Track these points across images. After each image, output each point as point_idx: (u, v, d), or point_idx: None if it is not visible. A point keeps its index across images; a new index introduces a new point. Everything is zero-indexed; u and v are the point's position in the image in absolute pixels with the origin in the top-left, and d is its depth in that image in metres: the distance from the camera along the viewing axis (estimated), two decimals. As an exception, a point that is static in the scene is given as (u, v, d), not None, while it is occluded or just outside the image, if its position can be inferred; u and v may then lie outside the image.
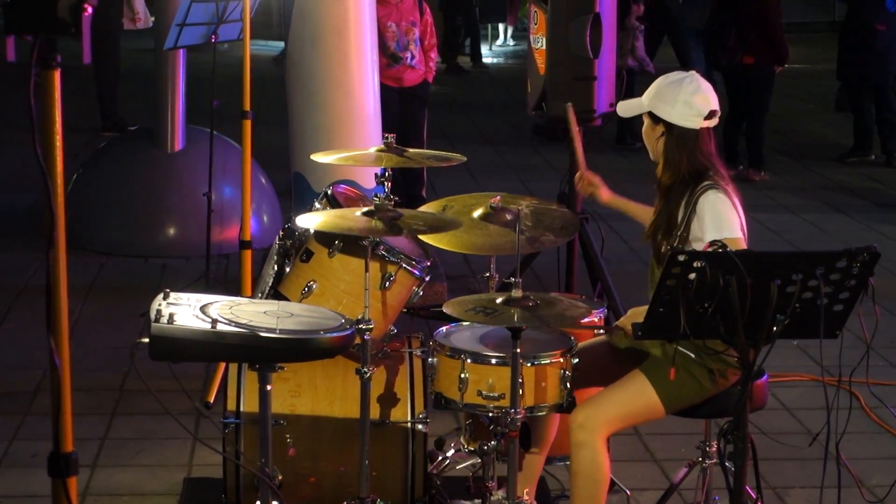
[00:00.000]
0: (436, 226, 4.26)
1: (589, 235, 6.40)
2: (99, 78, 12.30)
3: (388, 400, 4.38)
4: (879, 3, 11.29)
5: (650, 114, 4.22)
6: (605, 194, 4.66)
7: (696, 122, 4.15)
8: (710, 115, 4.16)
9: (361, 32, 6.86)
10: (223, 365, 5.42)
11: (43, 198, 2.82)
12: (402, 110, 8.71)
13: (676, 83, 4.17)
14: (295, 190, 7.12)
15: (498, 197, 4.58)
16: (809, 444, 3.69)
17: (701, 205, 4.05)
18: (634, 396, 4.10)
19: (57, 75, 2.79)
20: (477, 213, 4.57)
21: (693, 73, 4.23)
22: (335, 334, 3.62)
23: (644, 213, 4.49)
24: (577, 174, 4.79)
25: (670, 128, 4.16)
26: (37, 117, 2.77)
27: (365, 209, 4.11)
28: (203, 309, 3.58)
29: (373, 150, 4.42)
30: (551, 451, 4.57)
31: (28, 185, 9.35)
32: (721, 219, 4.03)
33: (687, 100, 4.13)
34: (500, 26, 21.32)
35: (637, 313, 4.07)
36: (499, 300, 3.93)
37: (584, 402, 4.13)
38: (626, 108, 4.41)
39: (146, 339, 3.45)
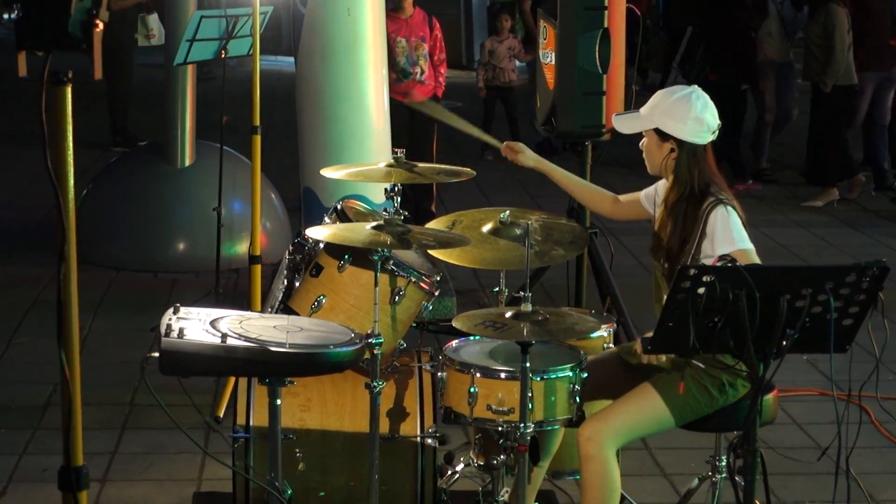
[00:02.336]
0: (444, 242, 4.27)
1: (598, 250, 6.40)
2: (110, 94, 12.34)
3: (398, 414, 4.38)
4: (890, 19, 11.30)
5: (657, 130, 4.21)
6: (528, 158, 4.73)
7: (705, 137, 4.16)
8: (717, 129, 4.17)
9: (371, 48, 6.86)
10: (233, 379, 5.42)
11: (54, 213, 2.83)
12: (410, 126, 8.73)
13: (684, 99, 4.16)
14: (305, 205, 7.13)
15: (507, 211, 4.58)
16: (818, 459, 3.69)
17: (711, 222, 4.05)
18: (644, 408, 4.09)
19: (68, 91, 2.81)
20: (486, 228, 4.58)
21: (696, 87, 4.23)
22: (345, 349, 3.63)
23: (569, 182, 4.72)
24: (503, 146, 4.83)
25: (681, 144, 4.16)
26: (48, 133, 2.78)
27: (374, 223, 4.11)
28: (213, 323, 3.59)
29: (382, 165, 4.42)
30: (560, 466, 4.57)
31: (39, 200, 9.38)
32: (731, 233, 4.03)
33: (698, 116, 4.13)
34: None
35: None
36: (508, 314, 3.93)
37: (592, 415, 4.13)
38: (625, 125, 4.34)
39: (156, 354, 3.46)
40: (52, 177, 2.80)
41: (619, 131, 4.39)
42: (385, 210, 4.15)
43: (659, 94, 4.25)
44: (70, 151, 2.82)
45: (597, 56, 5.98)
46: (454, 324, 3.93)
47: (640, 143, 4.29)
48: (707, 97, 4.19)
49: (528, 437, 3.96)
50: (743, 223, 4.09)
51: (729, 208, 4.08)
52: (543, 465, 4.46)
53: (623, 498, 4.64)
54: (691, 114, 4.13)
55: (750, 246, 4.03)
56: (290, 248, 4.46)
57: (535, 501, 4.48)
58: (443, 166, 4.70)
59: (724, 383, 4.08)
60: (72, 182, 2.85)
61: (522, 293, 3.96)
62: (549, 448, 4.42)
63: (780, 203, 10.79)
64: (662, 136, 4.19)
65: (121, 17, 11.95)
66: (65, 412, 2.96)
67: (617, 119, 4.39)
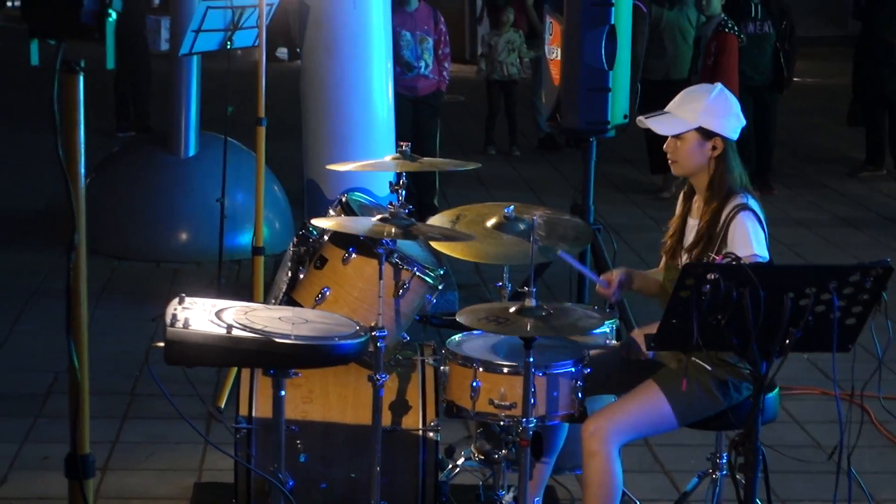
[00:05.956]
0: (449, 237, 4.28)
1: (601, 246, 6.41)
2: (122, 80, 12.39)
3: (400, 407, 4.39)
4: (894, 18, 11.30)
5: (700, 129, 4.11)
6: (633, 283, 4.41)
7: (738, 133, 4.17)
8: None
9: (376, 40, 6.87)
10: (234, 369, 5.43)
11: (56, 201, 2.84)
12: (414, 119, 8.74)
13: (723, 96, 4.14)
14: (308, 197, 7.14)
15: (512, 206, 4.59)
16: (828, 458, 3.68)
17: (732, 229, 4.02)
18: (647, 407, 4.09)
19: (80, 80, 2.82)
20: (490, 223, 4.59)
21: (720, 84, 4.21)
22: (351, 341, 3.64)
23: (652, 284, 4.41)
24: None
25: (727, 141, 4.13)
26: (60, 121, 2.79)
27: (380, 216, 4.12)
28: (218, 314, 3.60)
29: (388, 158, 4.44)
30: (560, 461, 4.57)
31: (42, 188, 9.37)
32: (749, 240, 3.99)
33: (738, 112, 4.15)
34: None
35: (651, 327, 4.05)
36: (512, 309, 3.94)
37: (597, 411, 4.13)
38: (665, 126, 4.14)
39: (161, 344, 3.47)
40: (64, 165, 2.81)
41: (658, 133, 4.16)
42: (390, 203, 4.17)
43: (687, 93, 4.21)
44: (81, 140, 2.83)
45: (603, 52, 5.99)
46: (458, 318, 3.93)
47: (666, 146, 4.18)
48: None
49: (531, 432, 3.97)
50: (764, 227, 4.06)
51: (750, 215, 4.03)
52: (548, 464, 4.46)
53: (623, 494, 4.65)
54: (733, 110, 4.14)
55: (765, 256, 3.99)
56: (295, 239, 4.47)
57: (535, 498, 4.48)
58: (446, 160, 4.71)
59: (729, 387, 4.08)
60: (82, 171, 2.86)
61: (526, 288, 3.96)
62: (553, 446, 4.41)
63: (781, 201, 10.79)
64: (706, 134, 4.11)
65: (132, 5, 11.99)
66: (72, 400, 2.97)
67: (653, 121, 4.19)
